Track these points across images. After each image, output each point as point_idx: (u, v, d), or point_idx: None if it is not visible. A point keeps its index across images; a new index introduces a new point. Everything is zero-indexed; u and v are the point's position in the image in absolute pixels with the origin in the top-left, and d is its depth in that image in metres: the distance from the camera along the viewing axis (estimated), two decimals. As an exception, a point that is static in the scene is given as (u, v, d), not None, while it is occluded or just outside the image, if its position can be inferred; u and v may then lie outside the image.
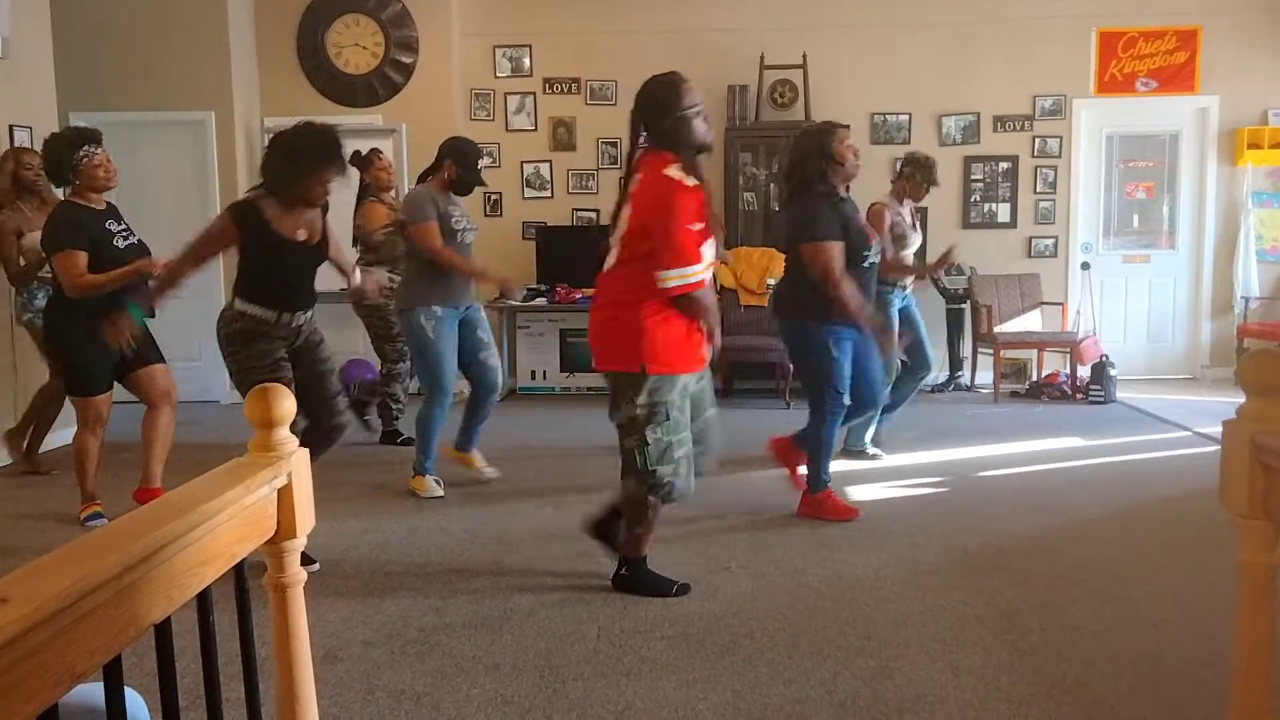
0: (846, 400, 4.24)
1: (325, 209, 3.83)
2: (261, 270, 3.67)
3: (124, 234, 4.28)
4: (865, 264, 4.21)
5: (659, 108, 3.16)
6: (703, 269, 3.13)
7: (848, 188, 4.26)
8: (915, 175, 5.29)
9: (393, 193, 6.03)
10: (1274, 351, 1.58)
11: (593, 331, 3.33)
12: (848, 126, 4.49)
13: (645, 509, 3.32)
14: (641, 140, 3.22)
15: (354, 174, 5.31)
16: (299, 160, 3.54)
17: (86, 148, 4.17)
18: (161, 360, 4.46)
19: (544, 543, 4.04)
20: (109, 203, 4.34)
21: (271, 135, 3.89)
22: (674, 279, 3.08)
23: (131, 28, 7.24)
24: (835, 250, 4.04)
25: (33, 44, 5.96)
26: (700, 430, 3.35)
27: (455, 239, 4.66)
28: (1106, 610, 3.26)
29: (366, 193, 5.84)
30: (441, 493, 4.74)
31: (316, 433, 3.78)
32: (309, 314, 3.84)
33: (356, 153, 5.50)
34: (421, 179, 4.86)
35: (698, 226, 3.08)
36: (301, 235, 3.67)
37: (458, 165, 4.66)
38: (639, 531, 3.41)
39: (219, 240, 3.68)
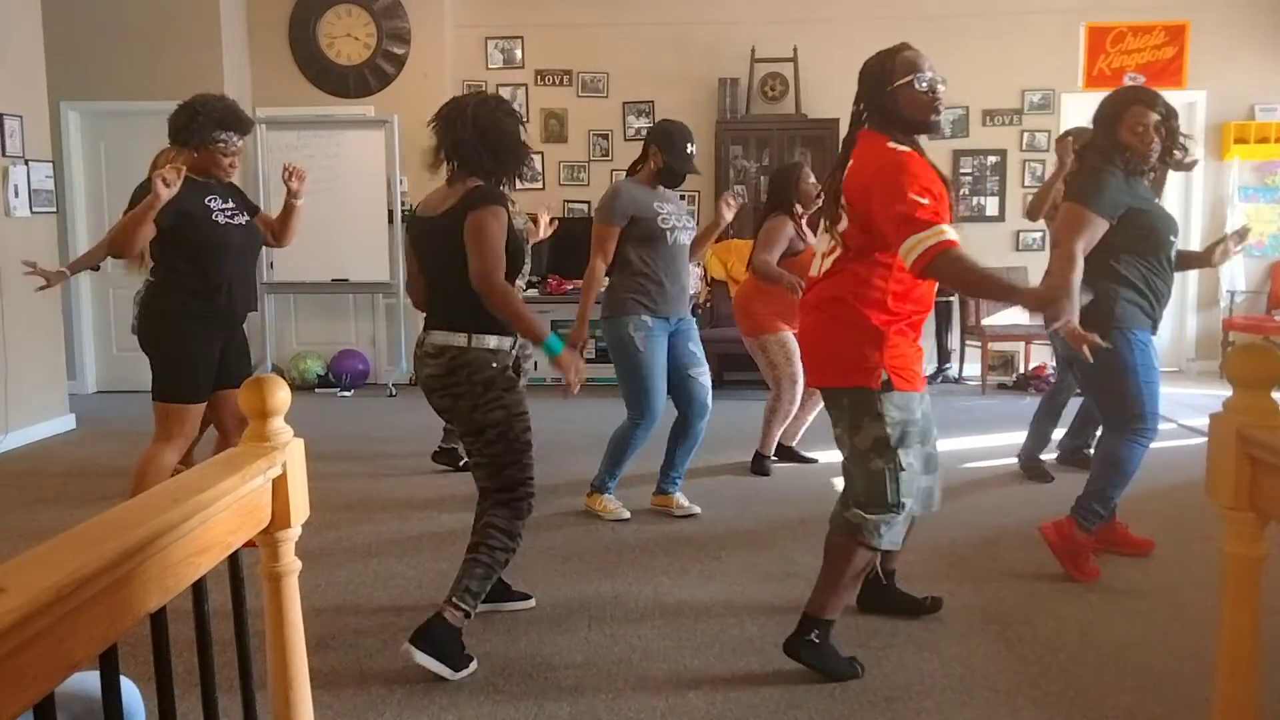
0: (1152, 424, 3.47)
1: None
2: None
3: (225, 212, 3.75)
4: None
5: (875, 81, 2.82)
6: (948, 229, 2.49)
7: (1154, 171, 3.64)
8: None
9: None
10: (1260, 345, 1.61)
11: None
12: (1145, 103, 3.71)
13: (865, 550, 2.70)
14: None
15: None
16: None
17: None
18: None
19: (534, 533, 4.04)
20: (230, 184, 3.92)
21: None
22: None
23: (123, 17, 7.20)
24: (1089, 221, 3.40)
25: (23, 32, 5.92)
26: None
27: (666, 240, 4.02)
28: (1092, 600, 3.29)
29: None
30: (627, 514, 4.23)
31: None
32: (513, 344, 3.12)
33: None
34: (631, 171, 4.19)
35: (925, 200, 2.51)
36: (519, 221, 2.96)
37: (664, 152, 4.02)
38: (846, 583, 2.75)
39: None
